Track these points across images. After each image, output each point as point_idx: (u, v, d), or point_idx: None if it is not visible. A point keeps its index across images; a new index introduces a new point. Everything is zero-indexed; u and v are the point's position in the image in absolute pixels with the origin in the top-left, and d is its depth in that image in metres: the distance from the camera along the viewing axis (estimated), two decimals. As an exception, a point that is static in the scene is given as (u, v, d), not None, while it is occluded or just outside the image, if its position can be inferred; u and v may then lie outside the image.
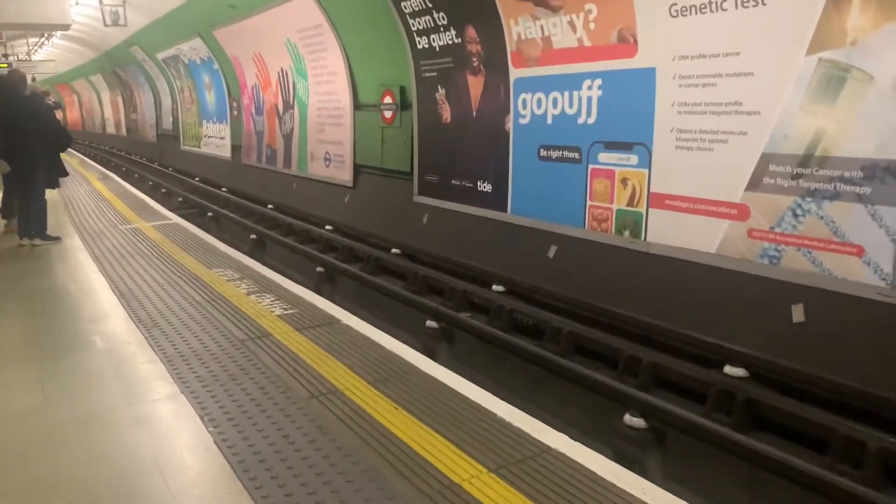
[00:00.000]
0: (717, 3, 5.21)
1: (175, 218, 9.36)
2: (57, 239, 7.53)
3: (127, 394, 3.58)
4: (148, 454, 2.95)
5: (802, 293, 4.96)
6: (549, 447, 2.90)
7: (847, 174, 4.64)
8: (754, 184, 5.22)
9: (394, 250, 9.18)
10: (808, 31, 4.70)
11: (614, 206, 6.42)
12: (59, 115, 12.66)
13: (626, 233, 6.30)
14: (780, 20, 4.85)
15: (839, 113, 4.64)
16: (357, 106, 11.13)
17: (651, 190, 6.05)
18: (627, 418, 4.55)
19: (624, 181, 6.30)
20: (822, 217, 4.83)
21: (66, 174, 8.44)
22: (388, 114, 10.09)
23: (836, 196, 4.72)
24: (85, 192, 12.03)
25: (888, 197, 4.43)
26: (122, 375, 3.82)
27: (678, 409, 4.43)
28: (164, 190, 17.29)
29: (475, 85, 8.17)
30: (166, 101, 23.60)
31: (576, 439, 3.01)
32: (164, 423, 3.26)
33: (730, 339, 5.12)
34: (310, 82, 12.47)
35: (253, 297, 5.26)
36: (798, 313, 4.95)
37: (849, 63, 4.53)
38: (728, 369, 4.94)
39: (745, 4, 5.03)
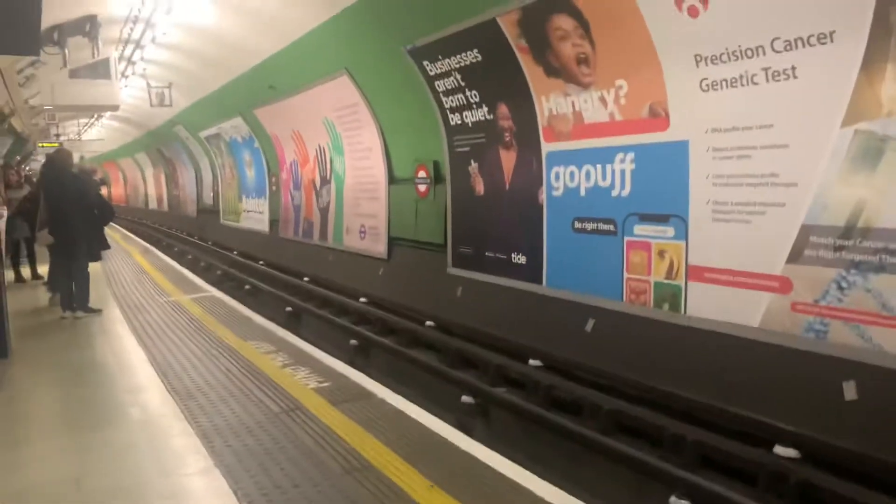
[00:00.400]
0: (747, 77, 5.25)
1: (213, 291, 9.51)
2: (98, 311, 7.68)
3: (160, 467, 3.55)
4: (181, 532, 2.90)
5: (853, 369, 4.78)
6: (592, 530, 2.78)
7: (892, 246, 4.53)
8: (795, 256, 5.12)
9: (428, 322, 9.14)
10: (842, 103, 4.69)
11: (652, 279, 6.35)
12: (104, 190, 13.15)
13: (666, 306, 6.20)
14: (813, 93, 4.87)
15: (879, 184, 4.58)
16: (392, 180, 11.35)
17: (689, 262, 5.97)
18: (673, 500, 4.35)
19: (661, 253, 6.24)
20: (868, 290, 4.69)
21: (107, 247, 8.68)
22: (422, 187, 10.26)
23: (881, 268, 4.60)
24: (126, 266, 12.32)
25: (937, 268, 4.30)
26: (157, 448, 3.81)
27: (727, 492, 4.23)
28: (203, 264, 17.63)
29: (508, 159, 8.29)
30: (207, 178, 24.38)
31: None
32: (197, 498, 3.22)
33: (778, 416, 4.92)
34: (346, 158, 12.79)
35: (288, 369, 5.26)
36: (850, 390, 4.76)
37: (886, 134, 4.50)
38: (778, 449, 4.72)
39: (777, 78, 5.06)
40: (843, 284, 4.81)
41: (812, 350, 5.00)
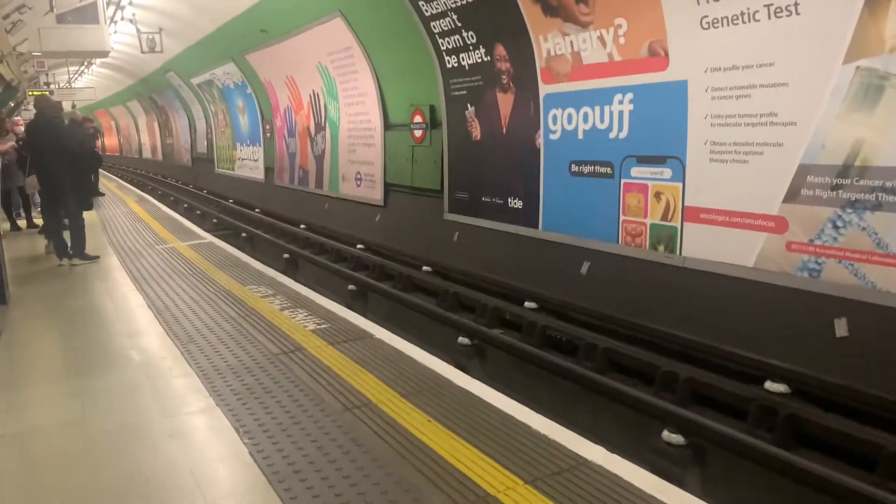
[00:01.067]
0: (749, 13, 5.16)
1: (210, 238, 9.51)
2: (95, 258, 7.69)
3: (163, 407, 3.61)
4: (184, 465, 2.96)
5: (845, 307, 4.83)
6: (585, 459, 2.85)
7: (889, 184, 4.52)
8: (792, 195, 5.12)
9: (425, 268, 9.18)
10: (845, 40, 4.62)
11: (648, 221, 6.35)
12: (97, 142, 13.01)
13: (661, 247, 6.22)
14: (815, 29, 4.79)
15: (879, 122, 4.54)
16: (387, 126, 11.23)
17: (685, 204, 5.97)
18: (665, 435, 4.45)
19: (657, 195, 6.23)
20: (863, 228, 4.71)
21: (100, 194, 8.61)
22: (418, 133, 10.16)
23: (877, 206, 4.61)
24: (122, 214, 12.28)
25: (933, 206, 4.31)
26: (159, 389, 3.86)
27: (718, 425, 4.31)
28: (199, 212, 17.59)
29: (505, 102, 8.20)
30: (201, 126, 24.10)
31: (613, 453, 2.95)
32: (200, 435, 3.28)
33: (770, 354, 5.00)
34: (341, 104, 12.63)
35: (286, 312, 5.30)
36: (841, 328, 4.82)
37: (887, 71, 4.44)
38: (769, 385, 4.82)
39: (779, 14, 4.97)
40: (839, 223, 4.83)
41: (805, 288, 5.05)
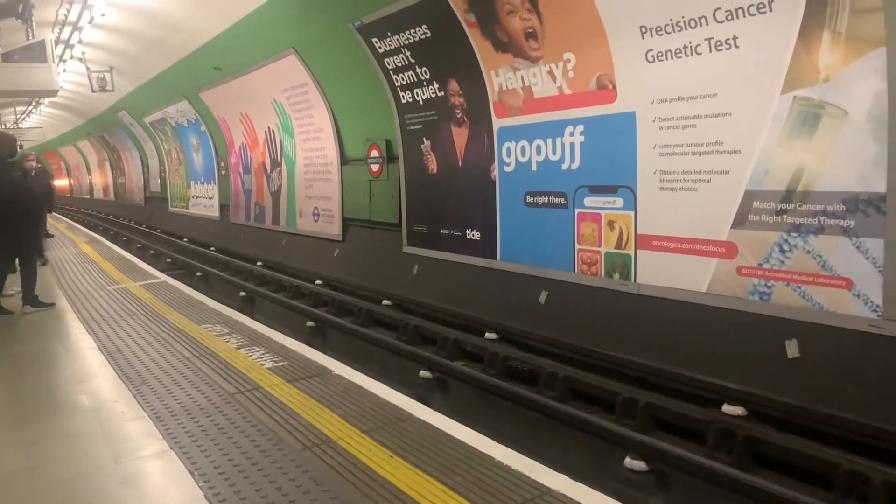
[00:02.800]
0: (691, 47, 5.36)
1: (163, 277, 9.32)
2: (50, 305, 7.32)
3: (114, 452, 3.48)
4: (136, 513, 2.86)
5: (796, 328, 4.96)
6: (549, 489, 2.84)
7: (830, 208, 4.70)
8: (740, 221, 5.27)
9: (385, 302, 9.14)
10: (782, 71, 4.83)
11: (603, 249, 6.46)
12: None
13: (616, 275, 6.32)
14: (754, 61, 4.99)
15: (817, 148, 4.73)
16: (344, 161, 11.25)
17: (638, 231, 6.09)
18: (628, 461, 4.47)
19: (611, 224, 6.35)
20: (808, 251, 4.87)
21: (48, 236, 8.14)
22: (375, 167, 10.20)
23: (820, 230, 4.78)
24: (72, 255, 11.96)
25: (871, 229, 4.48)
26: (110, 434, 3.73)
27: (678, 450, 4.36)
28: (152, 251, 17.24)
29: (460, 136, 8.30)
30: (154, 164, 23.77)
31: (576, 482, 2.95)
32: (153, 481, 3.18)
33: (726, 377, 5.09)
34: (296, 139, 12.62)
35: (243, 350, 5.20)
36: (792, 349, 4.94)
37: (823, 100, 4.65)
38: (726, 408, 4.89)
39: (719, 48, 5.17)
40: (785, 247, 4.98)
41: (757, 311, 5.17)
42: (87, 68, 16.61)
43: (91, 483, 3.16)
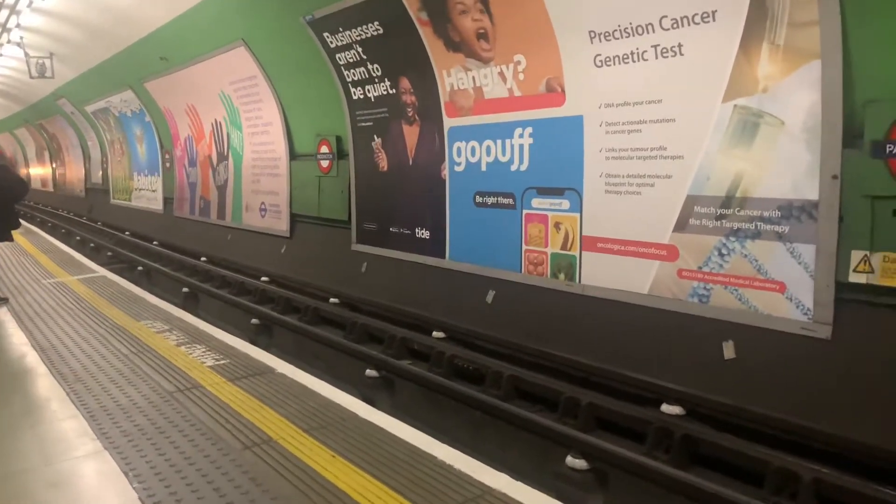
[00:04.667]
0: (638, 53, 5.46)
1: (103, 271, 9.04)
2: (3, 300, 6.90)
3: (45, 453, 3.37)
4: (66, 516, 2.77)
5: (733, 330, 5.11)
6: (490, 488, 2.86)
7: (766, 214, 4.86)
8: (681, 225, 5.40)
9: (332, 300, 9.06)
10: (724, 80, 4.97)
11: (549, 250, 6.53)
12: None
13: (562, 276, 6.41)
14: (697, 69, 5.12)
15: (756, 156, 4.89)
16: (293, 156, 11.10)
17: (583, 233, 6.18)
18: (569, 460, 4.54)
19: (557, 225, 6.43)
20: (745, 255, 5.02)
21: (18, 225, 7.64)
22: (324, 163, 10.09)
23: (757, 235, 4.93)
24: (5, 247, 11.49)
25: (804, 235, 4.65)
26: (41, 434, 3.61)
27: (618, 449, 4.44)
28: (92, 244, 16.71)
29: (411, 134, 8.28)
30: (95, 155, 23.03)
31: (517, 480, 2.97)
32: (86, 483, 3.08)
33: (666, 377, 5.21)
34: (244, 133, 12.40)
35: (183, 348, 5.09)
36: (729, 350, 5.09)
37: (761, 109, 4.80)
38: (665, 407, 5.01)
39: (665, 55, 5.29)
40: (724, 251, 5.13)
41: (696, 313, 5.31)
42: (26, 53, 16.01)
43: (19, 485, 3.05)
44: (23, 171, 25.92)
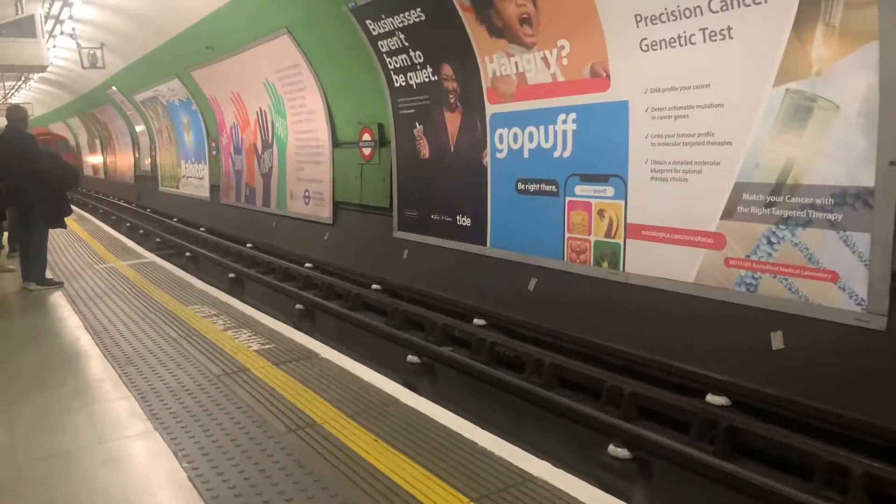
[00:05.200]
0: (685, 37, 5.34)
1: (152, 257, 9.27)
2: (58, 284, 7.11)
3: (98, 432, 3.47)
4: (118, 493, 2.85)
5: (781, 320, 4.99)
6: (531, 475, 2.86)
7: (818, 201, 4.71)
8: (729, 213, 5.28)
9: (374, 286, 9.14)
10: (775, 63, 4.82)
11: (592, 238, 6.46)
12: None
13: (605, 264, 6.33)
14: (748, 53, 4.98)
15: (808, 142, 4.74)
16: (336, 143, 11.19)
17: (628, 221, 6.10)
18: (612, 449, 4.51)
19: (601, 213, 6.35)
20: (796, 244, 4.89)
21: (69, 213, 7.90)
22: (366, 151, 10.15)
23: (808, 223, 4.80)
24: (60, 233, 11.83)
25: (859, 223, 4.50)
26: (94, 414, 3.72)
27: (662, 439, 4.40)
28: (141, 231, 17.15)
29: (452, 121, 8.26)
30: (144, 143, 23.58)
31: (559, 468, 2.96)
32: (137, 461, 3.17)
33: (711, 367, 5.12)
34: (288, 121, 12.54)
35: (230, 332, 5.19)
36: (777, 340, 4.98)
37: (814, 93, 4.65)
38: (710, 398, 4.93)
39: (713, 38, 5.16)
40: (773, 239, 5.00)
41: (743, 303, 5.20)
42: (78, 44, 16.44)
43: (73, 461, 3.16)
44: (70, 159, 26.65)
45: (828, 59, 4.54)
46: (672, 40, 5.46)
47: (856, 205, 4.51)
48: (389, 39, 8.59)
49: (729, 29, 5.05)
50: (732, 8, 4.98)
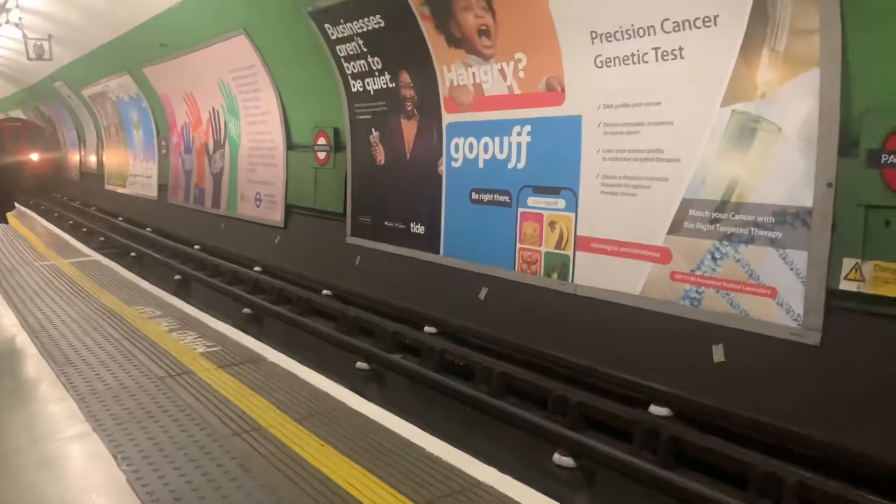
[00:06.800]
0: (638, 55, 5.48)
1: (95, 255, 9.01)
2: None
3: (34, 433, 3.37)
4: (55, 497, 2.77)
5: (722, 334, 5.14)
6: (479, 481, 2.88)
7: (760, 219, 4.88)
8: (675, 228, 5.42)
9: (325, 292, 9.06)
10: (723, 84, 4.99)
11: (543, 249, 6.55)
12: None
13: (555, 275, 6.42)
14: (697, 73, 5.14)
15: (752, 161, 4.91)
16: (290, 146, 11.08)
17: (578, 233, 6.20)
18: (557, 457, 4.56)
19: (552, 224, 6.45)
20: (738, 260, 5.05)
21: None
22: (321, 155, 10.08)
23: (750, 240, 4.96)
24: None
25: (797, 241, 4.68)
26: (30, 415, 3.61)
27: (605, 448, 4.47)
28: (85, 229, 16.64)
29: (409, 129, 8.28)
30: (91, 139, 22.92)
31: (505, 475, 2.99)
32: (74, 464, 3.08)
33: (654, 378, 5.23)
34: (242, 122, 12.37)
35: (174, 334, 5.08)
36: (718, 353, 5.12)
37: (759, 115, 4.83)
38: (653, 408, 5.03)
39: (665, 57, 5.31)
40: (717, 255, 5.15)
41: (687, 316, 5.34)
42: (24, 34, 15.90)
43: (7, 465, 3.05)
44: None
45: (772, 82, 4.72)
46: (626, 58, 5.60)
47: (795, 224, 4.68)
48: (348, 44, 8.57)
49: (680, 49, 5.21)
50: (684, 29, 5.14)
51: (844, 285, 4.44)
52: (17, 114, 31.26)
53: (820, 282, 4.56)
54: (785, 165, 4.70)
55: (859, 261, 4.36)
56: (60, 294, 6.37)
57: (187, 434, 3.31)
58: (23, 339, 4.91)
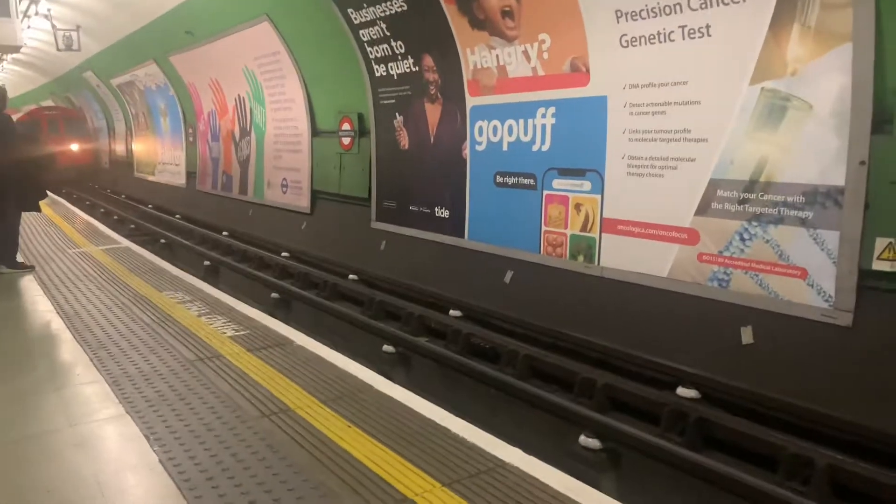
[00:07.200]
0: (665, 34, 5.39)
1: (126, 242, 9.16)
2: (30, 268, 6.97)
3: (69, 415, 3.45)
4: (89, 476, 2.83)
5: (751, 315, 5.08)
6: (503, 462, 2.89)
7: (790, 199, 4.80)
8: (703, 209, 5.36)
9: (351, 276, 9.12)
10: (751, 62, 4.89)
11: (568, 232, 6.52)
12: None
13: (581, 257, 6.39)
14: (725, 51, 5.05)
15: (781, 140, 4.82)
16: (315, 132, 11.13)
17: (604, 215, 6.16)
18: (583, 439, 4.56)
19: (577, 207, 6.40)
20: (767, 241, 4.97)
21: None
22: (346, 140, 10.11)
23: (780, 220, 4.88)
24: (32, 217, 11.66)
25: (828, 221, 4.60)
26: (65, 397, 3.69)
27: (632, 430, 4.46)
28: (115, 217, 16.92)
29: (433, 112, 8.26)
30: (120, 128, 23.25)
31: (530, 455, 3.00)
32: (108, 444, 3.15)
33: (682, 360, 5.20)
34: (267, 109, 12.44)
35: (204, 318, 5.16)
36: (747, 335, 5.06)
37: (789, 92, 4.73)
38: (680, 390, 5.00)
39: (692, 35, 5.22)
40: (745, 236, 5.08)
41: (715, 298, 5.28)
42: (53, 26, 16.16)
43: (44, 444, 3.13)
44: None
45: (803, 59, 4.62)
46: (651, 37, 5.51)
47: (826, 203, 4.60)
48: (371, 29, 8.55)
49: (707, 27, 5.12)
50: (711, 6, 5.04)
51: (877, 265, 4.36)
52: (48, 103, 31.80)
53: (852, 262, 4.48)
54: (816, 144, 4.61)
55: (893, 240, 4.27)
56: (93, 280, 6.49)
57: (217, 416, 3.36)
58: (58, 325, 5.02)
